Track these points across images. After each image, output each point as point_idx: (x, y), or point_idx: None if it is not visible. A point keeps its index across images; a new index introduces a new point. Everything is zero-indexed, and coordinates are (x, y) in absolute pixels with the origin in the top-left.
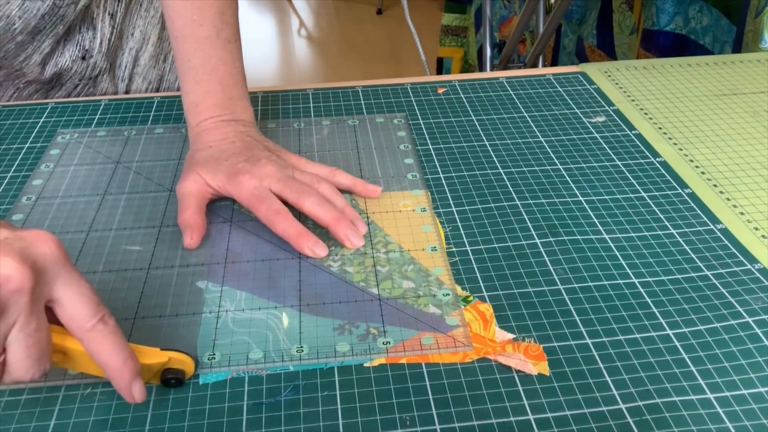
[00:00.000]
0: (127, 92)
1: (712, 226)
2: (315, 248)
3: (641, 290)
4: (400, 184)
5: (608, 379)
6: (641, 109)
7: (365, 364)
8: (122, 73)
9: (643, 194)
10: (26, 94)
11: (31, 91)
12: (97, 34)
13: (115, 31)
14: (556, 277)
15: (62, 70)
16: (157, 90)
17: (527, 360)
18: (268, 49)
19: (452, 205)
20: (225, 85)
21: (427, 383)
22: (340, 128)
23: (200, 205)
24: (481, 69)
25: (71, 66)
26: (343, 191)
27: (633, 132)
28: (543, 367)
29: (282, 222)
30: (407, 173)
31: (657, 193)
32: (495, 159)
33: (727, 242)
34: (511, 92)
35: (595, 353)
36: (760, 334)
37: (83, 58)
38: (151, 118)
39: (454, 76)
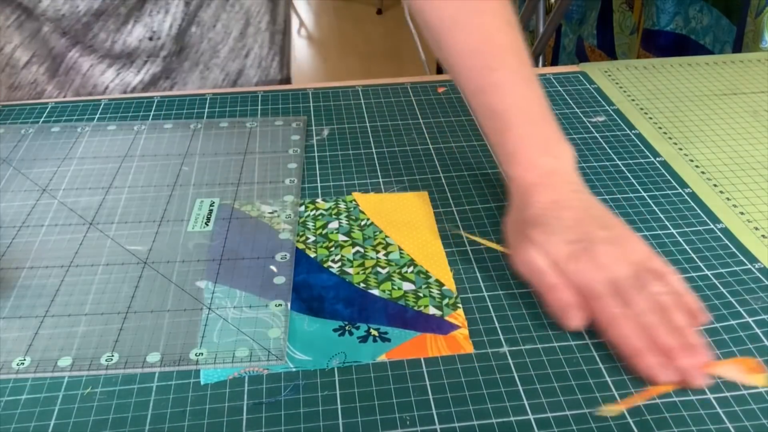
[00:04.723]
0: (202, 80)
1: (712, 226)
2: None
3: None
4: (400, 185)
5: (608, 379)
6: (641, 109)
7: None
8: (198, 57)
9: (643, 194)
10: (100, 69)
11: (105, 66)
12: (167, 17)
13: (186, 17)
14: None
15: (130, 48)
16: (235, 83)
17: (744, 373)
18: None
19: (452, 205)
20: (541, 119)
21: (428, 383)
22: (340, 130)
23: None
24: None
25: (138, 45)
26: (343, 187)
27: (633, 132)
28: (761, 379)
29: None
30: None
31: (657, 193)
32: (495, 159)
33: (727, 242)
34: None
35: (594, 353)
36: (760, 334)
37: (150, 38)
38: (151, 116)
39: None
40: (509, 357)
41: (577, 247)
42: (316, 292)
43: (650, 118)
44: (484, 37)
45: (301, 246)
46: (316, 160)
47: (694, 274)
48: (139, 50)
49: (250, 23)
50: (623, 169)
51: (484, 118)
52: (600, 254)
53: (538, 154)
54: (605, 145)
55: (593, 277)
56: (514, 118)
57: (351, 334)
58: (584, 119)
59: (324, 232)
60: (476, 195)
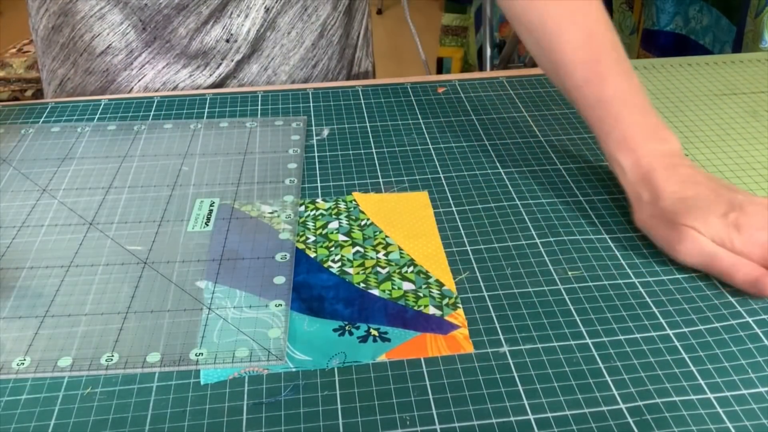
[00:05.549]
0: (268, 85)
1: None
2: None
3: (641, 290)
4: (400, 185)
5: (608, 379)
6: None
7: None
8: (268, 62)
9: None
10: (174, 69)
11: (179, 67)
12: (247, 21)
13: (266, 23)
14: (556, 277)
15: (206, 48)
16: None
17: None
18: None
19: (452, 205)
20: (646, 107)
21: (428, 383)
22: (340, 130)
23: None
24: (481, 69)
25: (215, 46)
26: (343, 187)
27: None
28: None
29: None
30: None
31: None
32: (495, 159)
33: None
34: (511, 92)
35: (595, 353)
36: (760, 334)
37: (227, 40)
38: (151, 117)
39: (454, 76)
40: (509, 357)
41: (731, 218)
42: (316, 292)
43: None
44: (589, 34)
45: (301, 246)
46: (316, 160)
47: (693, 274)
48: (214, 51)
49: (323, 35)
50: None
51: (589, 107)
52: (752, 216)
53: (649, 139)
54: None
55: (762, 240)
56: (621, 107)
57: (351, 334)
58: None
59: (324, 232)
60: (476, 195)
